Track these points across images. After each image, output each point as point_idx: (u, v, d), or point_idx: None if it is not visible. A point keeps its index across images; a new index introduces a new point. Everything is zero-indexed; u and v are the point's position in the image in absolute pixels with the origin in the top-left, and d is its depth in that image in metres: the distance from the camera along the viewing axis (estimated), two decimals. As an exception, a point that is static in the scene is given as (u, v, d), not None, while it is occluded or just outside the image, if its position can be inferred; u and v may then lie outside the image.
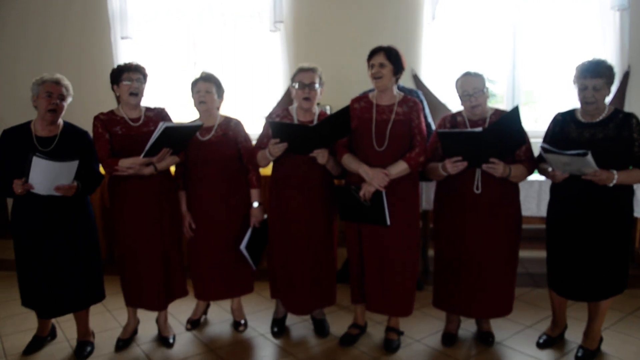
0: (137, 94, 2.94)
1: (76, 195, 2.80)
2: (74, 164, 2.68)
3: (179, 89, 5.14)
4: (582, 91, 2.69)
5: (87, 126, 2.98)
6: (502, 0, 4.76)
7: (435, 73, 4.82)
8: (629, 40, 4.59)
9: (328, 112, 4.39)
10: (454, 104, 4.75)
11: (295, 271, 3.05)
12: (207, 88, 3.05)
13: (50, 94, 2.78)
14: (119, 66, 2.97)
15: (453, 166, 2.71)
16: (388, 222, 2.80)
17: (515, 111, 2.60)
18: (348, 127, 2.80)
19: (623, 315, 3.37)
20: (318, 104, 4.87)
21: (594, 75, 2.64)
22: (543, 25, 4.80)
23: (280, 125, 2.82)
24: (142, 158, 2.80)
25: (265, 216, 3.18)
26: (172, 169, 3.12)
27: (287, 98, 4.97)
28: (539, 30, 4.82)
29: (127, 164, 2.82)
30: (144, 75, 2.98)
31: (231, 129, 3.10)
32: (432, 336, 3.18)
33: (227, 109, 4.99)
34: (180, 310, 3.48)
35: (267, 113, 4.87)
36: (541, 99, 5.10)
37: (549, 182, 2.90)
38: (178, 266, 3.12)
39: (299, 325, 3.35)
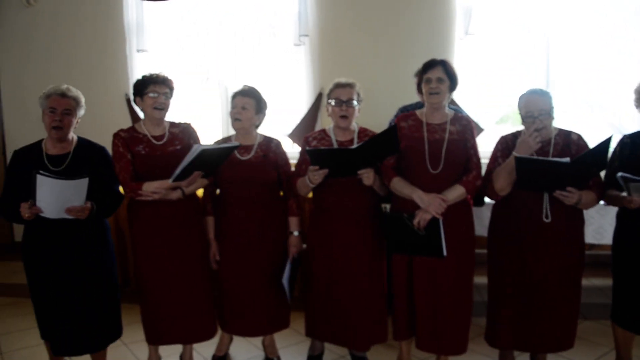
0: (163, 109, 2.69)
1: (91, 218, 2.51)
2: (84, 182, 2.39)
3: (198, 106, 4.90)
4: None
5: (100, 142, 2.73)
6: (535, 13, 4.54)
7: (467, 89, 4.59)
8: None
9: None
10: (486, 123, 4.53)
11: (340, 308, 2.78)
12: (243, 104, 2.78)
13: (54, 110, 2.52)
14: (144, 77, 2.71)
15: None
16: (445, 253, 2.53)
17: (606, 143, 2.37)
18: (396, 146, 2.56)
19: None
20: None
21: None
22: (577, 39, 4.57)
23: (319, 152, 2.59)
24: (171, 182, 2.52)
25: (304, 246, 2.93)
26: (200, 191, 2.86)
27: (311, 115, 4.75)
28: (574, 45, 4.59)
29: (153, 188, 2.55)
30: (171, 89, 2.73)
31: (272, 151, 2.85)
32: (486, 376, 2.90)
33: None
34: (204, 344, 3.17)
35: (290, 131, 4.74)
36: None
37: (601, 207, 2.70)
38: (205, 302, 2.83)
39: (337, 363, 3.06)
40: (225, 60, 4.97)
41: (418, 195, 2.55)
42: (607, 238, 3.60)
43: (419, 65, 4.16)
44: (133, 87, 2.73)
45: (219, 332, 3.04)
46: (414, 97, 3.99)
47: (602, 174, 2.64)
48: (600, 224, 3.44)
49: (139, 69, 4.78)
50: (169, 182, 2.52)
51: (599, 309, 3.69)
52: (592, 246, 3.75)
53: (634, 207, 2.47)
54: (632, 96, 2.64)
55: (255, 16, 4.84)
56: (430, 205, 2.51)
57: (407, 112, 2.87)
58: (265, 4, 4.79)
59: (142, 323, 2.82)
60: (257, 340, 3.16)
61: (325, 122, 4.70)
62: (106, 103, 4.84)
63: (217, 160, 2.62)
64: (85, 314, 2.58)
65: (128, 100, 4.80)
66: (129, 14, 4.81)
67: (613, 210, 3.34)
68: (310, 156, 2.58)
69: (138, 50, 4.81)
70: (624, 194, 2.49)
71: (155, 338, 2.82)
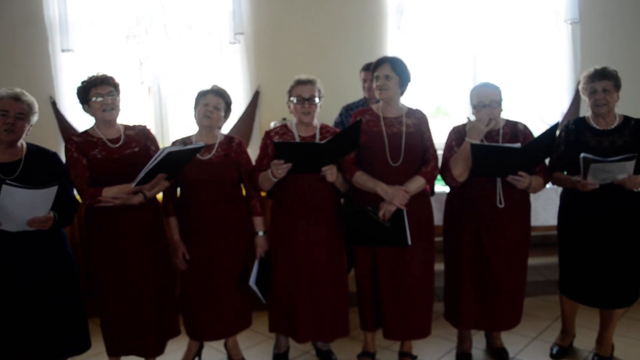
0: (113, 109, 2.59)
1: (52, 228, 2.38)
2: (52, 190, 2.27)
3: (129, 107, 4.69)
4: (592, 94, 2.73)
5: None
6: (463, 11, 4.80)
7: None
8: (581, 52, 4.80)
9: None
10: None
11: (303, 303, 2.78)
12: (216, 103, 2.76)
13: (6, 113, 2.37)
14: (83, 83, 2.60)
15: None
16: (409, 242, 2.62)
17: (553, 129, 2.56)
18: (357, 142, 2.62)
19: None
20: (284, 118, 4.67)
21: (601, 77, 2.70)
22: (502, 38, 4.90)
23: (287, 145, 2.59)
24: (134, 186, 2.44)
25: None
26: (159, 194, 2.78)
27: (248, 114, 4.70)
28: (499, 43, 4.91)
29: (113, 194, 2.46)
30: (115, 86, 2.62)
31: (233, 150, 2.82)
32: (446, 357, 3.05)
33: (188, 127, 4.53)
34: (170, 350, 3.06)
35: (227, 130, 4.66)
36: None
37: (546, 191, 2.91)
38: (170, 303, 2.78)
39: (303, 359, 3.07)
40: (157, 59, 4.79)
41: (382, 188, 2.62)
42: (540, 220, 3.89)
43: (352, 60, 4.29)
44: (77, 96, 2.63)
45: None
46: (347, 93, 4.09)
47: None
48: (533, 207, 3.68)
49: (65, 69, 4.50)
50: (131, 186, 2.44)
51: (536, 286, 3.99)
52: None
53: (588, 190, 2.62)
54: (581, 84, 2.81)
55: (188, 14, 4.71)
56: (394, 197, 2.59)
57: (363, 108, 2.94)
58: (198, 2, 4.68)
59: (102, 334, 2.71)
60: (219, 344, 3.10)
61: (263, 120, 4.68)
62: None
63: (181, 162, 2.56)
64: (45, 325, 2.44)
65: (53, 103, 4.50)
66: (50, 10, 4.47)
67: (545, 194, 3.61)
68: (277, 149, 2.57)
69: (63, 50, 4.49)
70: (577, 177, 2.63)
71: (119, 348, 2.72)
